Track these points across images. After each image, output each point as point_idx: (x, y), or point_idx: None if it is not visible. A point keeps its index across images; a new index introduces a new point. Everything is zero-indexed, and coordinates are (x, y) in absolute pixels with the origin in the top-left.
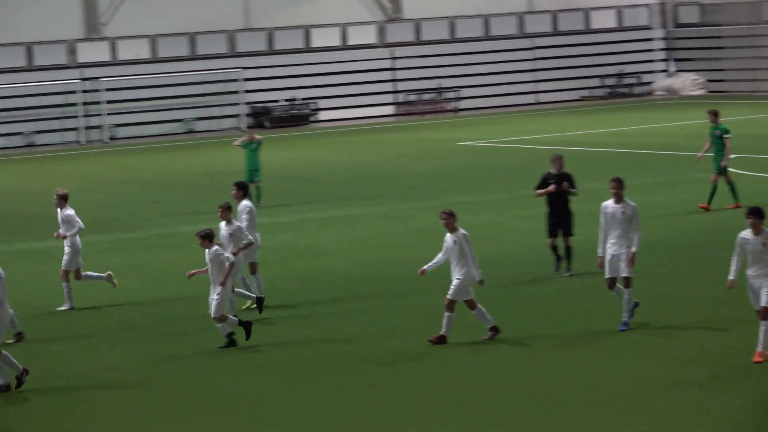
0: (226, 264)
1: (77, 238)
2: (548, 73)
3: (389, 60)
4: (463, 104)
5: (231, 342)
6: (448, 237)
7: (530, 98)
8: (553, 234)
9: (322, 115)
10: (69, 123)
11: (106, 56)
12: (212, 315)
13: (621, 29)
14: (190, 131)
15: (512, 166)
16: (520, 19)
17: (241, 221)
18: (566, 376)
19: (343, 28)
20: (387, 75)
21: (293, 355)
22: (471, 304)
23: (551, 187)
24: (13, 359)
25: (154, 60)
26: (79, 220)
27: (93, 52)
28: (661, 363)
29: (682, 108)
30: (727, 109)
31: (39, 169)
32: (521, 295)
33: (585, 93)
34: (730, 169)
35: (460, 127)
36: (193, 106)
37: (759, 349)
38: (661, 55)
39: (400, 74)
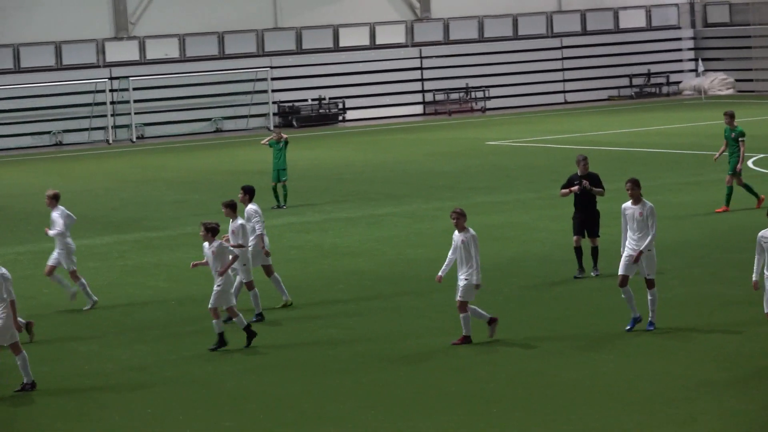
0: (229, 257)
1: (68, 239)
2: (576, 72)
3: (417, 59)
4: (490, 104)
5: (221, 342)
6: (457, 236)
7: (558, 98)
8: (579, 233)
9: (350, 115)
10: (97, 122)
11: (134, 56)
12: (210, 305)
13: (650, 29)
14: (218, 130)
15: (540, 165)
16: (548, 18)
17: (254, 224)
18: (592, 376)
19: (372, 27)
20: (415, 74)
21: (318, 354)
22: (464, 307)
23: (575, 187)
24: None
25: (183, 59)
26: (61, 223)
27: (121, 51)
28: (688, 364)
29: (711, 108)
30: (755, 109)
31: (67, 168)
32: (547, 294)
33: (613, 93)
34: (752, 166)
35: (487, 127)
36: (221, 106)
37: None
38: (690, 54)
39: (427, 74)
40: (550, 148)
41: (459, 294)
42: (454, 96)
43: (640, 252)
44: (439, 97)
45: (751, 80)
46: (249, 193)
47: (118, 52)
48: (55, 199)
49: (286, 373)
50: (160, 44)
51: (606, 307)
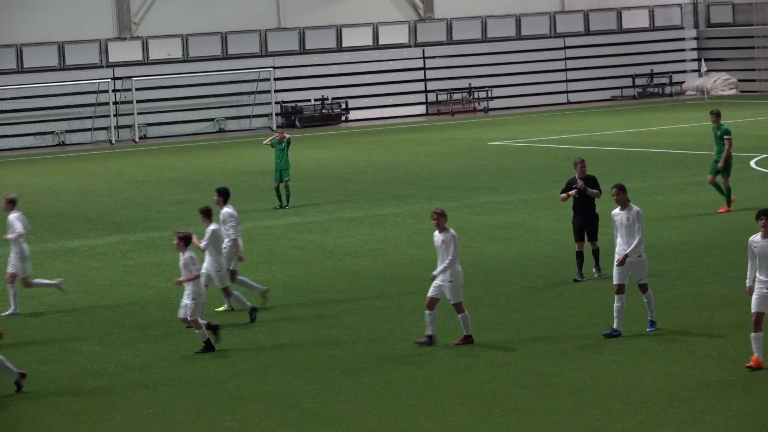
0: (194, 272)
1: (23, 244)
2: (579, 72)
3: (420, 60)
4: (493, 104)
5: (208, 347)
6: (437, 236)
7: (561, 98)
8: (579, 238)
9: (353, 115)
10: (100, 122)
11: (137, 56)
12: (186, 318)
13: (653, 29)
14: (221, 131)
15: (543, 165)
16: (551, 18)
17: (228, 228)
18: (594, 377)
19: (375, 27)
20: (418, 75)
21: (320, 354)
22: (432, 303)
23: (573, 191)
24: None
25: (186, 60)
26: (20, 225)
27: (124, 51)
28: (690, 364)
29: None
30: (758, 109)
31: (70, 168)
32: (550, 295)
33: (616, 93)
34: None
35: (490, 127)
36: (224, 106)
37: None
38: (693, 54)
39: (431, 74)
40: (553, 149)
41: (450, 298)
42: (457, 96)
43: (626, 256)
44: (442, 97)
45: (754, 80)
46: (223, 196)
47: (121, 52)
48: (12, 204)
49: (288, 373)
50: (163, 44)
51: (608, 307)
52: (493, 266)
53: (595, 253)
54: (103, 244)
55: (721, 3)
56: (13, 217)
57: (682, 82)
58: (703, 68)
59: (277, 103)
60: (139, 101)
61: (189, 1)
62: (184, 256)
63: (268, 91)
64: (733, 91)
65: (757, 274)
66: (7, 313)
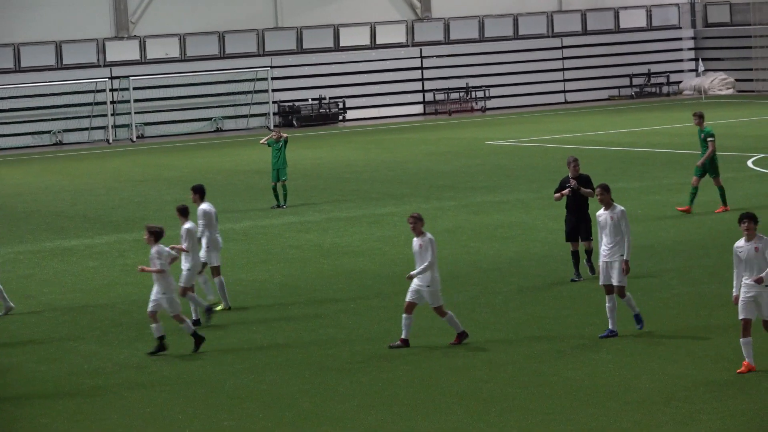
0: (158, 266)
1: None
2: (577, 72)
3: (418, 59)
4: (491, 103)
5: (161, 347)
6: (415, 241)
7: (558, 98)
8: (571, 238)
9: (350, 114)
10: (97, 122)
11: (135, 55)
12: (171, 314)
13: (650, 29)
14: (218, 130)
15: (540, 165)
16: (549, 18)
17: (199, 225)
18: (591, 376)
19: (372, 27)
20: (415, 74)
21: (317, 353)
22: (410, 307)
23: (566, 190)
24: None
25: (183, 59)
26: None
27: (122, 51)
28: (687, 363)
29: (711, 108)
30: (756, 109)
31: (67, 167)
32: (547, 294)
33: (613, 92)
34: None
35: (487, 127)
36: (221, 105)
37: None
38: (690, 54)
39: (428, 73)
40: (551, 148)
41: (431, 303)
42: (454, 96)
43: (626, 262)
44: (440, 96)
45: (751, 80)
46: (199, 193)
47: (118, 51)
48: None
49: (286, 373)
50: (160, 44)
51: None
52: (490, 266)
53: (589, 252)
54: (101, 244)
55: (718, 3)
56: None
57: (680, 82)
58: (701, 68)
59: (274, 102)
60: (136, 100)
61: (186, 1)
62: (152, 250)
63: (266, 91)
64: (731, 91)
65: (744, 279)
66: None
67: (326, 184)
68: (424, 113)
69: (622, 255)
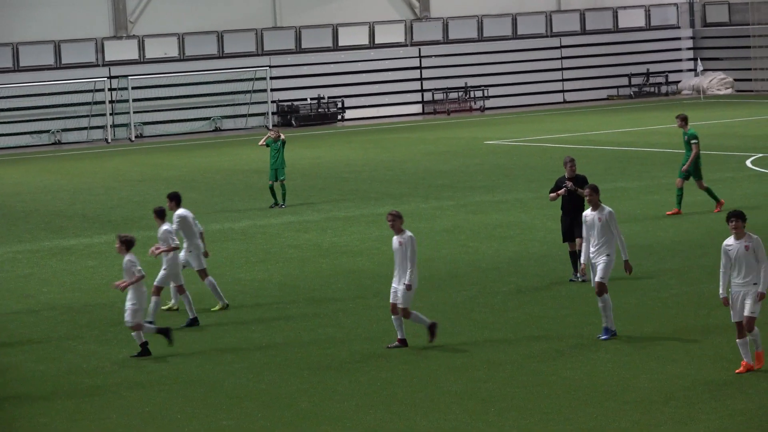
0: (136, 274)
1: None
2: (575, 72)
3: (416, 59)
4: (489, 103)
5: (144, 351)
6: (395, 239)
7: (557, 97)
8: (568, 238)
9: (349, 114)
10: (96, 121)
11: (133, 55)
12: (127, 323)
13: (649, 28)
14: (217, 129)
15: (539, 165)
16: (547, 18)
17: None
18: (591, 376)
19: (371, 26)
20: (414, 74)
21: (317, 353)
22: (395, 308)
23: (561, 190)
24: None
25: (182, 59)
26: None
27: (121, 50)
28: (686, 363)
29: (709, 107)
30: (754, 108)
31: (66, 167)
32: (545, 294)
33: (612, 92)
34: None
35: (486, 126)
36: (220, 105)
37: (745, 360)
38: (689, 54)
39: (427, 73)
40: (549, 148)
41: (400, 301)
42: (453, 95)
43: (626, 261)
44: (438, 96)
45: (750, 80)
46: (174, 200)
47: (117, 51)
48: None
49: (284, 372)
50: (159, 43)
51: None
52: (489, 265)
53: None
54: (99, 243)
55: (717, 2)
56: None
57: (678, 82)
58: (699, 68)
59: (273, 102)
60: (135, 100)
61: (185, 1)
62: (125, 260)
63: (265, 90)
64: (729, 91)
65: (733, 279)
66: None
67: (325, 183)
68: (423, 113)
69: (608, 255)
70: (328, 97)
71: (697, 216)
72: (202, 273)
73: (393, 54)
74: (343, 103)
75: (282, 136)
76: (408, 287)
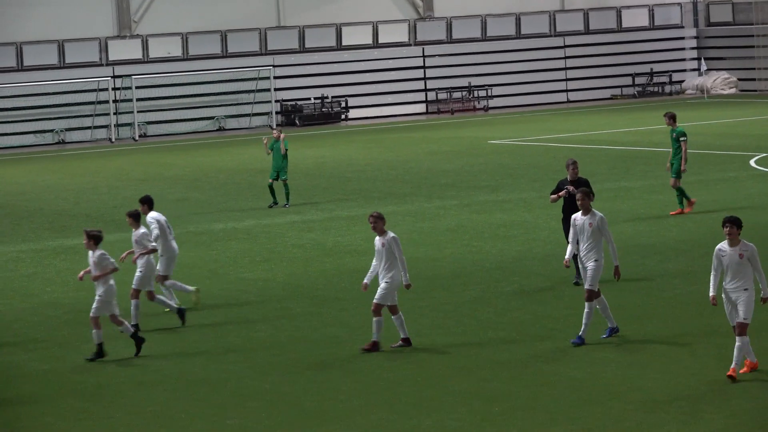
0: (110, 267)
1: None
2: (579, 71)
3: (420, 58)
4: (493, 102)
5: (99, 353)
6: (377, 240)
7: (561, 97)
8: None
9: (353, 113)
10: (100, 121)
11: (137, 54)
12: (91, 314)
13: (652, 28)
14: (221, 129)
15: (542, 164)
16: (551, 17)
17: (152, 231)
18: (596, 375)
19: (375, 26)
20: (418, 73)
21: (321, 352)
22: (393, 310)
23: (563, 192)
24: None
25: (185, 58)
26: None
27: (124, 49)
28: (690, 363)
29: (713, 107)
30: (758, 108)
31: (70, 166)
32: (549, 293)
33: (616, 92)
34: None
35: (490, 126)
36: (224, 104)
37: (733, 365)
38: (693, 53)
39: (430, 72)
40: (553, 147)
41: (377, 296)
42: (456, 95)
43: (616, 267)
44: (442, 95)
45: (753, 79)
46: (146, 203)
47: (120, 50)
48: None
49: (289, 372)
50: (162, 43)
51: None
52: (492, 265)
53: None
54: (103, 243)
55: (720, 2)
56: None
57: (682, 81)
58: (703, 67)
59: (276, 101)
60: (138, 99)
61: (188, 0)
62: (94, 255)
63: (268, 90)
64: (733, 90)
65: (724, 284)
66: None
67: (328, 183)
68: (427, 112)
69: (597, 260)
70: (332, 97)
71: (701, 215)
72: (163, 278)
73: (396, 53)
74: (346, 103)
75: (282, 135)
76: (407, 287)
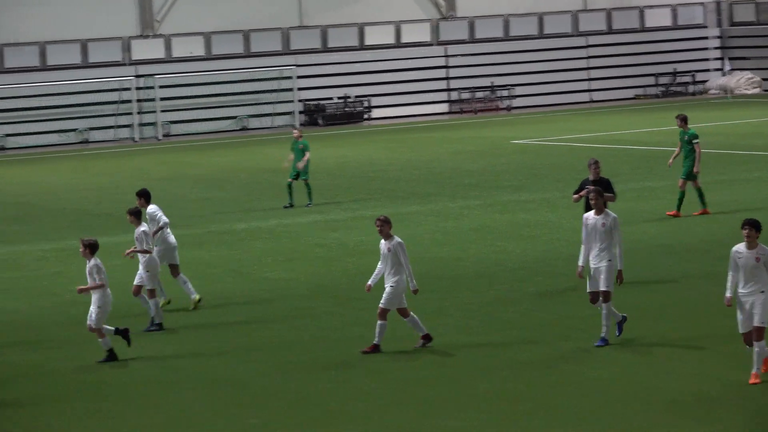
0: (97, 280)
1: None
2: (602, 71)
3: (443, 58)
4: (516, 102)
5: (111, 356)
6: (383, 244)
7: (584, 96)
8: None
9: (376, 113)
10: (123, 120)
11: (160, 53)
12: (91, 326)
13: (676, 28)
14: (243, 129)
15: (566, 164)
16: (574, 17)
17: (152, 225)
18: (618, 376)
19: (397, 26)
20: (440, 73)
21: (343, 352)
22: (403, 312)
23: (584, 192)
24: None
25: (208, 57)
26: None
27: (147, 49)
28: (716, 364)
29: (737, 107)
30: None
31: (93, 165)
32: (573, 294)
33: (639, 91)
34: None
35: (513, 126)
36: (246, 104)
37: (754, 370)
38: (716, 53)
39: (453, 72)
40: (576, 147)
41: (382, 301)
42: (479, 95)
43: (620, 272)
44: (465, 95)
45: None
46: (144, 197)
47: (144, 50)
48: None
49: (312, 371)
50: (185, 42)
51: (631, 306)
52: (516, 265)
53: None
54: (126, 242)
55: (744, 2)
56: None
57: (706, 81)
58: (727, 67)
59: (299, 101)
60: (162, 99)
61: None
62: (89, 264)
63: (291, 89)
64: (757, 90)
65: (739, 288)
66: None
67: (351, 182)
68: (450, 112)
69: (610, 260)
70: (355, 96)
71: (724, 215)
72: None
73: (419, 53)
74: (369, 103)
75: (302, 136)
76: (415, 292)
